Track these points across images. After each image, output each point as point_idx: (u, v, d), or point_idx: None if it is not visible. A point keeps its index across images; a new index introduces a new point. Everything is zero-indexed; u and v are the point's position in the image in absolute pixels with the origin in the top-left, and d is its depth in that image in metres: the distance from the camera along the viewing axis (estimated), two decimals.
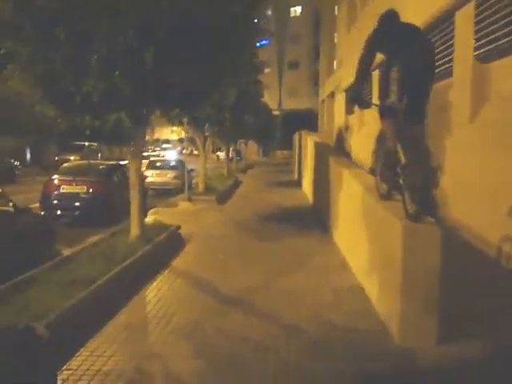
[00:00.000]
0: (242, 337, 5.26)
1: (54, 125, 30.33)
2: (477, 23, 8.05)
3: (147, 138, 79.17)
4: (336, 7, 26.83)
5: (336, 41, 27.32)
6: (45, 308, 5.32)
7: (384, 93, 5.75)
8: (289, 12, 61.43)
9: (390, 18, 5.76)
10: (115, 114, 8.30)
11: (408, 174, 5.30)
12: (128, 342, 5.17)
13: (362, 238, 6.93)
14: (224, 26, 7.26)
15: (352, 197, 7.93)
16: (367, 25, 17.71)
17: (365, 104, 6.08)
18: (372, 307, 6.10)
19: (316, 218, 13.44)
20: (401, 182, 5.50)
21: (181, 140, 74.35)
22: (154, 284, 7.24)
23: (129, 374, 4.45)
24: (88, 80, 7.15)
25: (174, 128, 55.58)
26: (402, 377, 4.57)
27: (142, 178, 9.15)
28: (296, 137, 28.27)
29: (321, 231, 11.39)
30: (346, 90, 21.93)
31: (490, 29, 7.66)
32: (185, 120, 15.09)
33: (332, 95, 29.74)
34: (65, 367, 4.51)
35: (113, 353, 4.87)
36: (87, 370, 4.52)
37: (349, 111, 21.76)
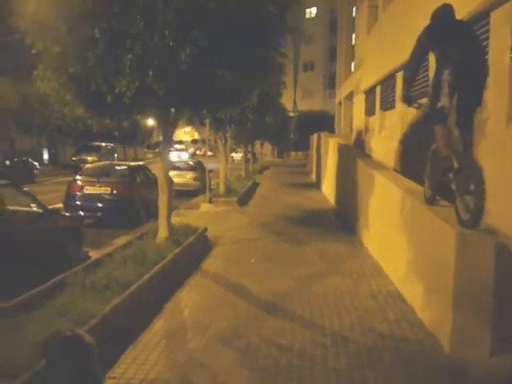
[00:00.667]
0: (286, 344, 5.11)
1: (73, 125, 30.64)
2: None
3: (160, 138, 79.66)
4: (354, 8, 26.60)
5: (354, 42, 27.07)
6: (82, 313, 5.20)
7: (435, 96, 5.40)
8: (304, 13, 61.26)
9: (444, 14, 5.46)
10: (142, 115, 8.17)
11: (461, 179, 5.13)
12: (169, 350, 5.02)
13: (400, 242, 6.75)
14: (260, 24, 7.11)
15: (388, 200, 7.74)
16: (389, 26, 17.49)
17: (416, 106, 6.09)
18: (415, 314, 5.92)
19: (341, 221, 13.27)
20: (453, 187, 5.31)
21: (194, 141, 74.27)
22: (187, 288, 7.10)
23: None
24: (121, 80, 7.04)
25: (187, 129, 55.60)
26: None
27: (171, 181, 9.01)
28: (314, 138, 28.07)
29: (348, 234, 11.22)
30: (366, 92, 21.73)
31: None
32: (206, 121, 15.00)
33: (350, 97, 29.51)
34: (108, 375, 4.37)
35: (155, 361, 4.73)
36: (131, 378, 4.38)
37: (369, 113, 21.54)
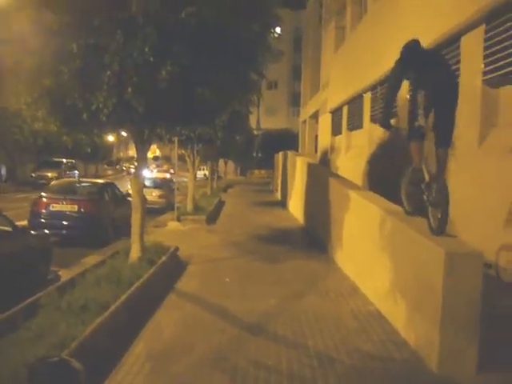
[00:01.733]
0: (274, 366, 5.01)
1: (33, 140, 29.97)
2: (487, 48, 8.07)
3: (121, 155, 78.40)
4: (322, 28, 27.01)
5: (321, 61, 27.45)
6: (61, 336, 5.01)
7: (412, 116, 5.92)
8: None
9: (412, 48, 6.05)
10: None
11: (432, 191, 5.63)
12: (154, 374, 4.86)
13: (381, 261, 6.77)
14: (241, 42, 7.11)
15: (366, 219, 7.77)
16: (356, 47, 17.81)
17: (392, 129, 6.75)
18: (398, 334, 5.92)
19: (311, 239, 13.29)
20: (424, 198, 5.77)
21: (155, 158, 73.64)
22: (165, 309, 6.93)
23: None
24: (98, 96, 6.90)
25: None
26: None
27: (144, 199, 8.85)
28: (279, 156, 28.19)
29: (320, 253, 11.22)
30: (333, 111, 22.02)
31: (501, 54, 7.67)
32: (175, 138, 14.88)
33: (315, 116, 29.86)
34: None
35: None
36: None
37: (335, 132, 21.81)
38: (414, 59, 5.97)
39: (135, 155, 9.17)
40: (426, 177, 5.83)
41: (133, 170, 51.31)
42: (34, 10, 6.64)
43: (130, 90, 6.83)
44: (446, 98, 5.70)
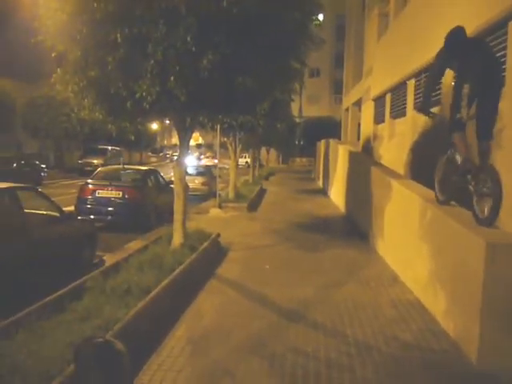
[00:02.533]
0: (312, 353, 5.06)
1: (80, 128, 30.74)
2: None
3: (166, 142, 79.37)
4: (365, 15, 26.59)
5: (364, 49, 27.05)
6: (106, 318, 5.18)
7: (454, 107, 5.90)
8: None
9: (456, 36, 5.99)
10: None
11: (479, 181, 5.53)
12: (193, 357, 4.98)
13: (421, 251, 6.71)
14: (283, 31, 7.11)
15: (407, 208, 7.70)
16: (399, 34, 17.49)
17: (431, 116, 6.69)
18: (437, 324, 5.88)
19: (352, 228, 13.22)
20: (471, 188, 5.68)
21: (199, 146, 74.18)
22: (206, 294, 7.07)
23: None
24: (141, 84, 7.02)
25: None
26: None
27: (187, 186, 8.98)
28: (321, 144, 28.04)
29: (361, 241, 11.18)
30: (375, 99, 21.71)
31: None
32: (217, 126, 14.98)
33: (357, 103, 29.49)
34: (135, 381, 4.33)
35: (181, 367, 4.70)
36: None
37: (378, 120, 21.51)
38: (458, 47, 5.90)
39: (178, 143, 9.29)
40: (473, 167, 5.73)
41: (176, 158, 51.93)
42: (79, 0, 6.78)
43: (172, 78, 6.92)
44: (489, 88, 5.63)
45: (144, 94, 7.04)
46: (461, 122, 5.79)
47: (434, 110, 7.57)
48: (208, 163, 35.43)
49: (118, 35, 6.70)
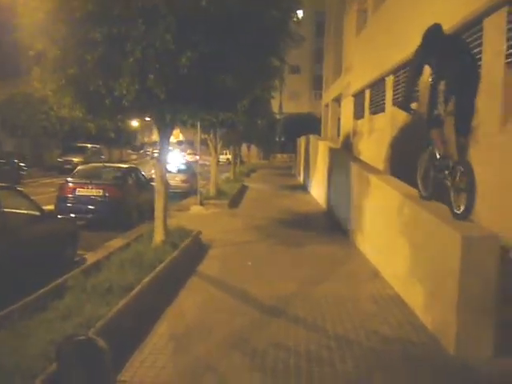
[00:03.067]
0: (293, 348, 5.14)
1: (59, 126, 30.48)
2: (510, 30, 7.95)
3: (146, 139, 78.98)
4: (344, 11, 26.73)
5: (343, 45, 27.21)
6: (87, 316, 5.20)
7: (431, 103, 6.00)
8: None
9: (433, 33, 6.09)
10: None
11: (455, 176, 5.63)
12: (176, 353, 5.03)
13: (400, 246, 6.83)
14: (262, 29, 7.16)
15: (387, 204, 7.81)
16: (378, 31, 17.65)
17: (411, 112, 6.89)
18: (417, 318, 5.99)
19: (333, 224, 13.35)
20: (448, 183, 5.79)
21: (180, 142, 73.86)
22: (187, 291, 7.10)
23: None
24: (121, 83, 7.01)
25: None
26: None
27: (167, 183, 9.00)
28: (301, 141, 28.18)
29: (341, 237, 11.30)
30: (355, 95, 21.88)
31: None
32: (198, 123, 14.98)
33: (337, 99, 29.66)
34: (118, 377, 4.36)
35: (164, 364, 4.74)
36: (141, 381, 4.39)
37: (358, 116, 21.69)
38: (435, 44, 6.01)
39: (157, 140, 9.29)
40: (450, 163, 5.83)
41: (156, 155, 51.54)
42: None
43: (151, 77, 6.93)
44: (467, 84, 5.75)
45: (124, 91, 7.04)
46: (438, 118, 5.92)
47: (412, 106, 7.67)
48: (190, 160, 35.10)
49: (98, 34, 6.70)
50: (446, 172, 5.83)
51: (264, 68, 8.14)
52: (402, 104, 6.74)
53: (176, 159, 27.65)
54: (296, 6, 8.09)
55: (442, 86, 5.83)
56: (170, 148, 10.18)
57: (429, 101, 6.13)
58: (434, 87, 6.00)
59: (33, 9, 7.01)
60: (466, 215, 5.36)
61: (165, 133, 8.82)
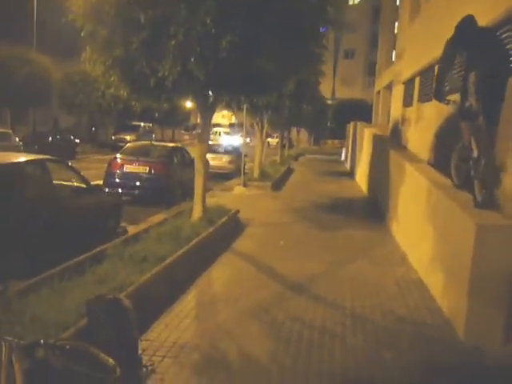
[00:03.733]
0: (308, 322, 5.42)
1: (113, 104, 31.37)
2: None
3: (198, 121, 79.99)
4: None
5: (396, 32, 26.84)
6: (121, 281, 5.61)
7: (463, 95, 6.02)
8: (347, 0, 60.66)
9: (466, 25, 6.06)
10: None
11: (479, 167, 5.68)
12: (199, 319, 5.42)
13: (426, 232, 6.96)
14: (300, 15, 7.35)
15: (416, 191, 7.94)
16: (430, 18, 17.38)
17: (446, 103, 6.76)
18: (435, 302, 6.15)
19: (372, 210, 13.46)
20: (472, 173, 5.85)
21: (231, 125, 74.41)
22: (219, 266, 7.47)
23: (203, 348, 4.68)
24: (164, 64, 7.37)
25: (225, 113, 55.84)
26: (468, 373, 4.64)
27: (207, 163, 9.36)
28: (350, 127, 28.10)
29: (378, 223, 11.42)
30: (405, 83, 21.62)
31: None
32: (244, 106, 15.27)
33: (389, 87, 29.31)
34: (143, 337, 4.75)
35: (186, 327, 5.12)
36: (164, 341, 4.77)
37: (407, 104, 21.46)
38: (467, 36, 5.99)
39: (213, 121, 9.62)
40: (475, 153, 5.88)
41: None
42: None
43: (192, 59, 7.26)
44: (497, 78, 5.72)
45: (166, 73, 7.40)
46: (470, 110, 5.89)
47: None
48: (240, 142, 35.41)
49: (142, 17, 7.06)
50: (471, 162, 5.90)
51: (303, 53, 8.32)
52: (436, 95, 6.74)
53: (225, 140, 27.98)
54: None
55: (472, 77, 5.86)
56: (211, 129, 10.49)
57: (461, 92, 6.17)
58: (465, 79, 6.04)
59: None
60: (483, 204, 5.47)
61: (206, 114, 9.16)
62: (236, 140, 37.09)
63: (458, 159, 6.73)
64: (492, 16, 7.36)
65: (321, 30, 8.66)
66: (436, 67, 16.02)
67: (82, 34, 7.91)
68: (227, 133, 55.00)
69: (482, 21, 6.38)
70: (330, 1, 8.02)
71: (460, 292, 5.28)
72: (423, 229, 7.16)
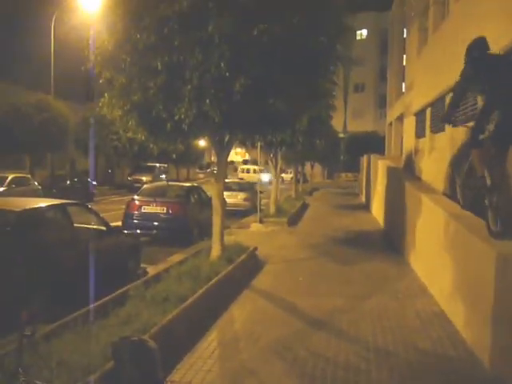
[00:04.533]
0: (332, 358, 5.42)
1: (129, 146, 31.88)
2: None
3: (212, 159, 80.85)
4: (405, 30, 26.78)
5: (405, 63, 27.19)
6: (144, 322, 5.67)
7: (478, 127, 5.93)
8: (355, 35, 61.60)
9: (477, 48, 6.00)
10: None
11: (493, 196, 5.62)
12: (222, 359, 5.43)
13: (445, 263, 6.96)
14: (310, 55, 7.56)
15: (433, 222, 7.97)
16: (438, 49, 17.61)
17: (453, 123, 6.69)
18: (458, 333, 6.12)
19: (388, 242, 13.45)
20: (486, 202, 5.76)
21: (245, 161, 75.03)
22: (239, 304, 7.51)
23: None
24: (180, 107, 7.59)
25: (238, 150, 56.39)
26: None
27: (224, 201, 9.49)
28: (364, 160, 28.22)
29: (395, 255, 11.41)
30: (416, 114, 21.78)
31: None
32: (258, 143, 15.50)
33: (400, 118, 29.50)
34: (168, 378, 4.79)
35: (210, 367, 5.14)
36: (189, 382, 4.80)
37: (419, 135, 21.57)
38: (484, 61, 5.89)
39: (229, 160, 9.76)
40: (489, 181, 5.78)
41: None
42: (124, 32, 7.44)
43: (207, 101, 7.47)
44: (508, 104, 5.66)
45: (182, 116, 7.60)
46: (482, 141, 5.83)
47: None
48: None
49: (159, 63, 7.31)
50: (484, 191, 5.81)
51: (314, 90, 8.51)
52: (445, 117, 6.73)
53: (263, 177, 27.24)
54: (343, 31, 8.41)
55: (486, 107, 5.80)
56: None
57: (475, 123, 6.07)
58: (482, 111, 5.97)
59: (101, 41, 7.73)
60: (500, 233, 5.45)
61: (222, 153, 9.33)
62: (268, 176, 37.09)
63: (463, 184, 6.74)
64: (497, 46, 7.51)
65: (331, 67, 8.84)
66: (446, 98, 16.20)
67: (101, 81, 8.21)
68: (261, 170, 55.02)
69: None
70: (339, 39, 8.23)
71: (483, 323, 5.27)
72: (442, 260, 7.16)
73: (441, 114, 16.19)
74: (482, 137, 5.85)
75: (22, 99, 26.67)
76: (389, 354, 5.55)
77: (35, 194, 18.69)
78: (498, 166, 5.86)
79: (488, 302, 5.09)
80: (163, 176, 37.21)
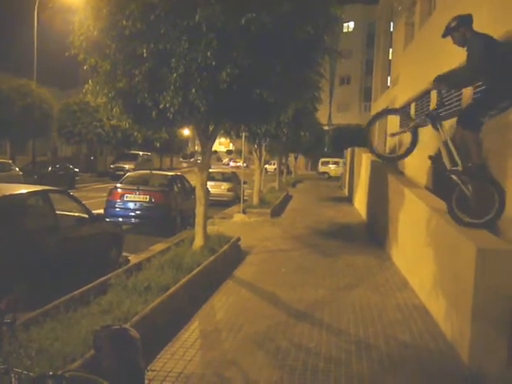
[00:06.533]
0: (314, 349, 5.45)
1: (112, 133, 31.67)
2: None
3: (196, 148, 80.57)
4: (392, 24, 26.85)
5: (391, 57, 27.29)
6: (126, 311, 5.65)
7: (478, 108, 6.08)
8: (342, 28, 61.53)
9: (464, 22, 6.03)
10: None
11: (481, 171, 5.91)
12: (204, 348, 5.44)
13: (427, 257, 7.02)
14: (297, 45, 7.53)
15: (415, 216, 8.02)
16: (423, 45, 17.68)
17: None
18: (438, 327, 6.19)
19: (371, 235, 13.53)
20: (467, 192, 5.95)
21: (229, 152, 74.94)
22: (221, 293, 7.51)
23: (209, 378, 4.70)
24: (165, 96, 7.52)
25: (222, 140, 56.27)
26: None
27: (208, 191, 9.45)
28: (348, 153, 28.32)
29: (377, 248, 11.49)
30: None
31: None
32: (242, 134, 15.45)
33: None
34: (149, 367, 4.78)
35: (191, 357, 5.14)
36: (170, 371, 4.80)
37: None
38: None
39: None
40: (475, 159, 5.87)
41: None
42: (110, 18, 7.33)
43: (193, 90, 7.41)
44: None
45: (167, 104, 7.53)
46: (480, 123, 5.89)
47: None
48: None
49: (145, 50, 7.22)
50: (468, 183, 5.90)
51: (301, 82, 8.48)
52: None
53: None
54: (332, 22, 8.37)
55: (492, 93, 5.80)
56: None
57: (474, 108, 6.14)
58: (483, 97, 6.11)
59: (86, 26, 7.62)
60: (489, 224, 5.71)
61: (206, 143, 9.27)
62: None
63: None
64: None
65: (318, 59, 8.81)
66: (431, 93, 16.28)
67: (85, 67, 8.10)
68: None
69: None
70: (326, 30, 8.20)
71: (463, 316, 5.33)
72: (424, 254, 7.22)
73: (428, 109, 16.34)
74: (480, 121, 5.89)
75: (3, 84, 26.29)
76: (369, 345, 5.60)
77: (16, 179, 18.45)
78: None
79: (467, 296, 5.14)
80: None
